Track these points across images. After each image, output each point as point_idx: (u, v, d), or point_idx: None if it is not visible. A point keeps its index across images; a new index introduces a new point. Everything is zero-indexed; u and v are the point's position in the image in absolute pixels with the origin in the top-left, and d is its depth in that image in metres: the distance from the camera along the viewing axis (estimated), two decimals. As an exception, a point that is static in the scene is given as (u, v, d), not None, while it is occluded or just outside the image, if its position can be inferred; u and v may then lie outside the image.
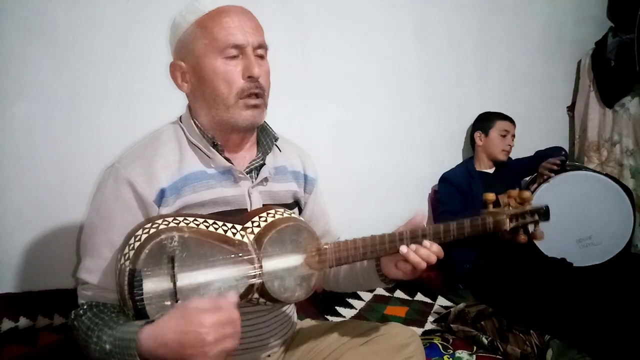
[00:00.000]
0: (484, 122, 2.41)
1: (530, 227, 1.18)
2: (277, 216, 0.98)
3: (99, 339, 0.86)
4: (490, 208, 1.13)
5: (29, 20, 1.66)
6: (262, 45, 1.03)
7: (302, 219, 1.05)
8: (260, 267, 0.93)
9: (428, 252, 1.00)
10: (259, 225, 0.96)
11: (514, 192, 1.15)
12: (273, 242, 0.95)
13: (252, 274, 0.92)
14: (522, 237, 1.14)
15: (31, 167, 1.69)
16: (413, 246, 1.00)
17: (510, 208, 1.13)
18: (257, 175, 1.09)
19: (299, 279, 0.97)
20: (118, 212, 0.96)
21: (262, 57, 1.04)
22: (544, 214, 1.17)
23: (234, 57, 1.00)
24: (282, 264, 0.95)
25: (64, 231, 1.67)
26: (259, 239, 0.94)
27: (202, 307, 0.79)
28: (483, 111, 2.46)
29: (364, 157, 2.34)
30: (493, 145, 2.36)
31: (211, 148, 1.03)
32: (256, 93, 1.01)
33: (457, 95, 2.55)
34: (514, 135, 2.37)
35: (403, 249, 1.00)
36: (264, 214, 0.98)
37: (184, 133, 1.06)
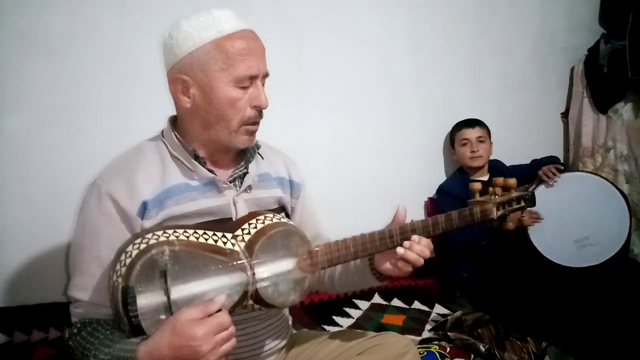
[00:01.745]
0: (451, 137, 2.46)
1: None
2: (266, 222, 0.99)
3: (96, 358, 0.86)
4: (477, 197, 1.14)
5: (24, 31, 1.66)
6: (267, 74, 1.06)
7: (292, 223, 1.05)
8: (253, 274, 0.94)
9: (421, 247, 1.02)
10: (249, 233, 0.97)
11: (499, 180, 1.16)
12: (264, 248, 0.96)
13: (245, 281, 0.93)
14: (510, 225, 1.15)
15: (26, 178, 1.68)
16: (407, 243, 1.02)
17: (497, 196, 1.14)
18: (241, 183, 1.09)
19: (292, 282, 0.98)
20: (103, 227, 0.96)
21: (263, 82, 1.06)
22: (529, 199, 1.19)
23: (245, 86, 1.01)
24: (275, 269, 0.97)
25: (58, 244, 1.67)
26: (250, 247, 0.95)
27: (192, 318, 0.80)
28: (474, 118, 2.47)
29: (358, 165, 2.35)
30: (460, 156, 2.38)
31: (193, 160, 1.04)
32: (257, 121, 1.05)
33: (452, 103, 2.56)
34: (480, 137, 2.34)
35: (400, 250, 1.02)
36: (254, 221, 0.99)
37: (166, 146, 1.06)
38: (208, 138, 1.04)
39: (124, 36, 1.80)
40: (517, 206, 1.16)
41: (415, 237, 1.03)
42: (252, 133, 1.06)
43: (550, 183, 2.20)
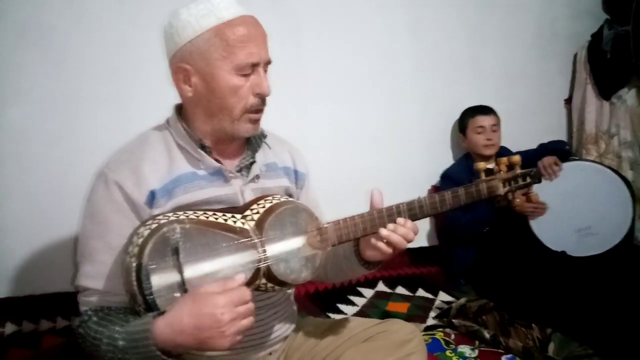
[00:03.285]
0: (461, 122, 2.42)
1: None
2: (274, 201, 1.00)
3: (110, 338, 0.87)
4: (483, 176, 1.14)
5: (22, 24, 1.65)
6: (270, 61, 1.05)
7: (301, 202, 1.06)
8: (264, 251, 0.95)
9: (405, 229, 1.02)
10: (257, 212, 0.98)
11: (503, 159, 1.16)
12: (274, 226, 0.97)
13: (257, 258, 0.94)
14: (518, 201, 1.17)
15: (28, 170, 1.69)
16: (391, 226, 1.02)
17: (502, 173, 1.15)
18: (248, 173, 1.09)
19: (303, 259, 0.99)
20: (113, 215, 0.96)
21: (265, 69, 1.05)
22: (534, 175, 1.20)
23: (247, 74, 1.00)
24: (286, 246, 0.98)
25: (62, 234, 1.67)
26: (259, 224, 0.96)
27: (213, 290, 0.81)
28: (487, 106, 2.45)
29: (359, 155, 2.34)
30: (473, 144, 2.34)
31: (199, 150, 1.03)
32: (261, 109, 1.04)
33: (453, 92, 2.55)
34: (494, 125, 2.33)
35: (383, 231, 1.01)
36: (262, 201, 1.00)
37: (172, 135, 1.06)
38: (211, 127, 1.04)
39: (123, 27, 1.80)
40: (522, 183, 1.17)
41: (400, 220, 1.02)
42: (256, 121, 1.05)
43: (551, 179, 2.14)
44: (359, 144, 2.35)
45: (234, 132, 1.04)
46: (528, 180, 1.19)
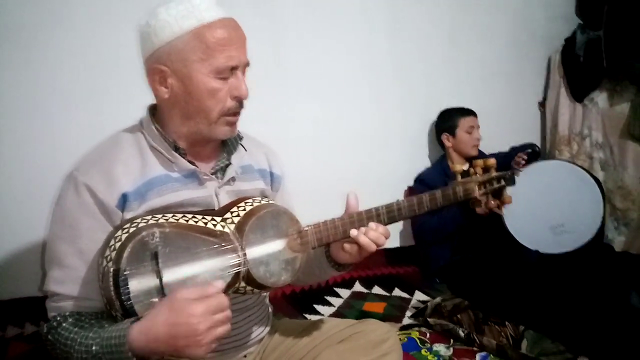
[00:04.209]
0: (448, 122, 2.44)
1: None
2: (255, 204, 0.99)
3: (81, 344, 0.84)
4: (459, 178, 1.16)
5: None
6: (248, 64, 1.03)
7: (280, 204, 1.05)
8: (244, 255, 0.93)
9: (377, 234, 1.02)
10: (238, 215, 0.97)
11: (479, 162, 1.19)
12: (254, 229, 0.96)
13: (237, 262, 0.93)
14: (492, 203, 1.19)
15: (-1, 171, 1.65)
16: (363, 229, 1.02)
17: (478, 176, 1.17)
18: (224, 175, 1.08)
19: (283, 263, 0.99)
20: (83, 218, 0.94)
21: (244, 73, 1.03)
22: (509, 178, 1.22)
23: (225, 77, 0.98)
24: (266, 249, 0.97)
25: (32, 238, 1.63)
26: (240, 228, 0.95)
27: (190, 297, 0.79)
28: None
29: (339, 154, 2.34)
30: (463, 143, 2.38)
31: (173, 152, 1.01)
32: (239, 112, 1.02)
33: (430, 91, 2.57)
34: (479, 126, 2.40)
35: (353, 232, 1.01)
36: (242, 204, 0.99)
37: (145, 137, 1.03)
38: (188, 129, 1.02)
39: (96, 24, 1.76)
40: (497, 185, 1.19)
41: (372, 225, 1.02)
42: (233, 124, 1.03)
43: (520, 168, 2.22)
44: (339, 144, 2.36)
45: (211, 135, 1.02)
46: (503, 182, 1.20)
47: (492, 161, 1.18)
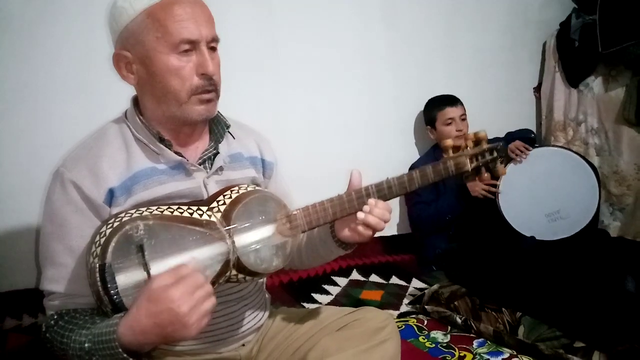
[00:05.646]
0: (429, 115, 2.41)
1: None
2: (241, 191, 0.98)
3: (75, 342, 0.84)
4: (450, 153, 1.13)
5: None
6: (215, 39, 1.00)
7: (267, 190, 1.04)
8: (233, 242, 0.93)
9: (381, 210, 1.01)
10: (224, 203, 0.96)
11: (470, 135, 1.16)
12: (241, 216, 0.95)
13: (225, 250, 0.92)
14: (485, 175, 1.16)
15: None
16: (366, 208, 1.00)
17: (469, 149, 1.14)
18: (212, 165, 1.06)
19: (273, 248, 0.98)
20: (71, 216, 0.93)
21: (213, 48, 1.00)
22: (501, 150, 1.19)
23: (186, 52, 0.95)
24: (254, 236, 0.96)
25: (30, 229, 1.63)
26: (226, 215, 0.94)
27: (165, 283, 0.78)
28: (453, 95, 2.46)
29: (335, 143, 2.34)
30: (444, 136, 2.32)
31: (158, 143, 1.00)
32: (209, 89, 0.99)
33: (426, 79, 2.56)
34: (462, 115, 2.34)
35: (360, 214, 1.00)
36: (228, 192, 0.98)
37: (130, 129, 1.02)
38: (162, 112, 0.99)
39: (88, 15, 1.73)
40: (489, 157, 1.16)
41: (372, 201, 1.01)
42: (207, 102, 0.99)
43: (519, 160, 2.21)
44: (334, 131, 2.35)
45: (185, 116, 0.99)
46: (495, 154, 1.17)
47: (483, 134, 1.14)
